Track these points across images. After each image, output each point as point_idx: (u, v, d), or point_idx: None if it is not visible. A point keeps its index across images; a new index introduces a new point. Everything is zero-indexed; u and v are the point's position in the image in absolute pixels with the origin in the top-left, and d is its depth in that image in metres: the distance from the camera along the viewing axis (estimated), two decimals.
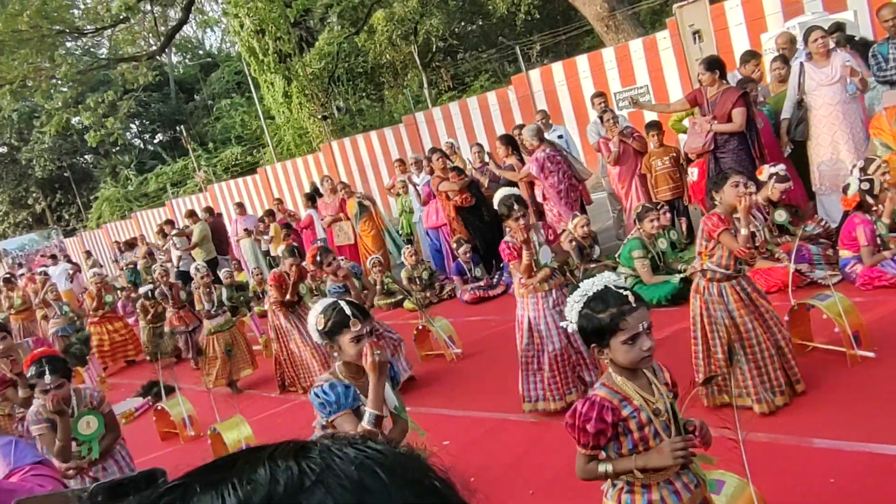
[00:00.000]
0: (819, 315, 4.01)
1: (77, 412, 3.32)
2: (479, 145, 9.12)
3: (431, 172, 8.68)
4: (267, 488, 0.52)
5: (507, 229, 4.29)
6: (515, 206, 4.07)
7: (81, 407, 3.36)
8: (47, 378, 3.20)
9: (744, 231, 3.40)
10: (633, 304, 1.97)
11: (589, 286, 2.02)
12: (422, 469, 0.58)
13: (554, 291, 4.21)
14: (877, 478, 2.80)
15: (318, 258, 5.83)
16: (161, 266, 8.95)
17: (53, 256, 17.31)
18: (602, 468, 1.99)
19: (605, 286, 2.01)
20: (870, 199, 5.02)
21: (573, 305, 2.04)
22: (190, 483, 0.54)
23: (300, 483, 0.52)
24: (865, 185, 4.98)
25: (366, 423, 2.33)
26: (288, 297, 5.92)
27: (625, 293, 1.99)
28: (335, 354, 2.54)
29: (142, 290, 8.48)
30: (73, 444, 3.26)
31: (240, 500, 0.51)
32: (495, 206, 4.35)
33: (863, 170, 5.08)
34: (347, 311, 2.47)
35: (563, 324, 2.06)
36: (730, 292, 3.54)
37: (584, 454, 2.00)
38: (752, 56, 7.13)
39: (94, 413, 3.40)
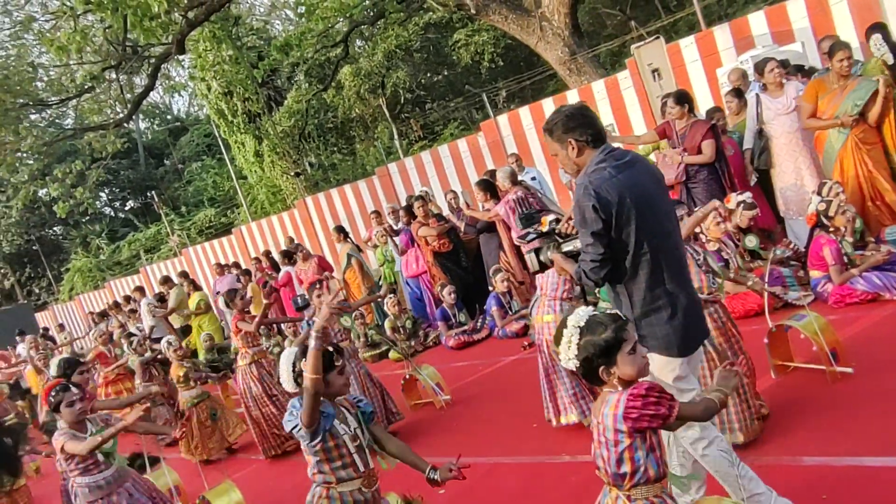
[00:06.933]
0: (797, 335, 4.11)
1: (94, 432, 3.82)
2: (454, 192, 9.24)
3: (408, 223, 8.76)
4: None
5: None
6: None
7: (95, 428, 3.85)
8: (73, 389, 3.83)
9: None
10: (624, 318, 2.12)
11: (575, 321, 2.11)
12: None
13: None
14: (866, 489, 2.86)
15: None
16: (138, 340, 8.71)
17: (22, 332, 17.07)
18: (713, 396, 2.17)
19: (590, 315, 2.13)
20: (824, 220, 5.21)
21: (570, 342, 2.12)
22: None
23: None
24: (822, 206, 5.19)
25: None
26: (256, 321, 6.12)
27: (611, 311, 2.14)
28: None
29: (139, 359, 8.27)
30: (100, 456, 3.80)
31: None
32: None
33: (818, 193, 5.30)
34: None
35: (563, 363, 2.15)
36: (708, 321, 3.60)
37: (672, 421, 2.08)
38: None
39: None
